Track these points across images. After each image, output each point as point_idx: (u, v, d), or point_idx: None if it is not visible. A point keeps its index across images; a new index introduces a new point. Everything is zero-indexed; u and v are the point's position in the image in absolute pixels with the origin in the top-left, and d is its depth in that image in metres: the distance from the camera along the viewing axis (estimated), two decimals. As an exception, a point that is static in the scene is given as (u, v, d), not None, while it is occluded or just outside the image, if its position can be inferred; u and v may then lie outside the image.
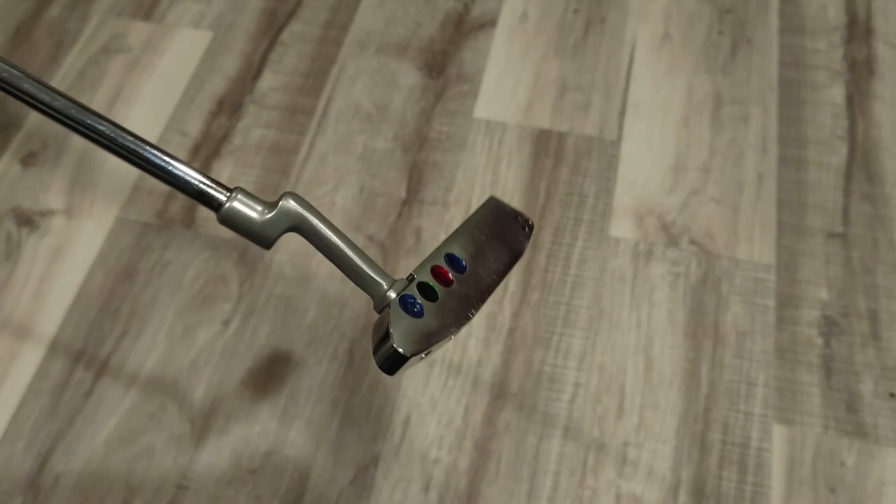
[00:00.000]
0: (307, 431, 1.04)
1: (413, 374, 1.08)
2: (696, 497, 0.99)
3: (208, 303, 1.14)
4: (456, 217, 1.21)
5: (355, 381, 1.08)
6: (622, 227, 1.20)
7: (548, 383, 1.07)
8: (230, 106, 1.33)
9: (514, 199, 1.22)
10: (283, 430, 1.04)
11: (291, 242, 1.16)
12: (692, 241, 1.19)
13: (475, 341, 1.10)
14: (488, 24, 1.42)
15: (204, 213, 1.20)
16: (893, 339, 1.11)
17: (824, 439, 1.04)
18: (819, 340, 1.11)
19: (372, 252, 1.17)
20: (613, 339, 1.10)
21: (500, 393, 1.06)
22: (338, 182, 1.24)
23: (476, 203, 1.21)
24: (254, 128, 1.30)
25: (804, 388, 1.07)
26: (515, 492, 1.00)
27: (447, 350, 1.10)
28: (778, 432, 1.04)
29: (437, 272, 0.64)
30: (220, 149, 1.28)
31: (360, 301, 1.13)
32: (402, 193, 1.23)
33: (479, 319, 1.12)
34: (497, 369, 1.08)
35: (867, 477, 1.01)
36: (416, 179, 1.24)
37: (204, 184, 0.65)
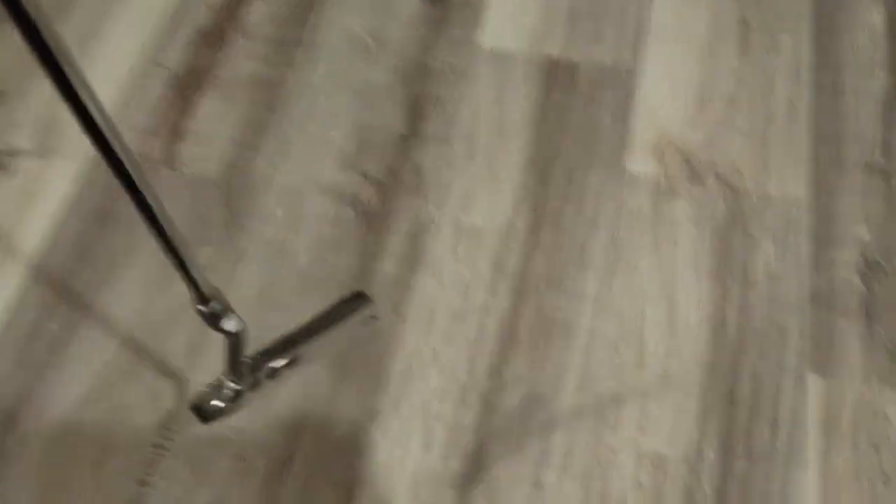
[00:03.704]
0: (298, 385, 0.95)
1: (414, 323, 0.98)
2: (724, 455, 0.90)
3: (191, 248, 1.04)
4: (459, 154, 1.11)
5: (351, 329, 0.98)
6: (641, 163, 1.09)
7: (561, 330, 0.98)
8: (214, 36, 1.22)
9: (521, 134, 1.12)
10: (271, 384, 0.95)
11: (282, 179, 1.06)
12: (718, 177, 1.08)
13: (480, 285, 1.01)
14: (494, -54, 1.30)
15: (187, 150, 1.11)
16: (941, 281, 1.01)
17: (866, 392, 0.94)
18: (860, 284, 1.01)
19: (369, 191, 1.07)
20: (632, 283, 1.01)
21: (508, 342, 0.97)
22: (331, 117, 1.14)
23: (484, 138, 1.11)
24: (239, 60, 1.20)
25: (843, 335, 0.98)
26: (526, 449, 0.91)
27: (448, 295, 1.00)
28: (814, 384, 0.94)
29: None
30: (202, 82, 1.18)
31: (356, 245, 1.04)
32: (401, 128, 1.13)
33: (483, 262, 1.02)
34: (504, 316, 0.99)
35: (913, 431, 0.92)
36: (415, 113, 1.14)
37: None
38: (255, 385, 0.88)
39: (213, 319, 0.75)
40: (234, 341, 0.79)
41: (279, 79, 1.18)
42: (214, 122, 1.14)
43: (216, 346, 0.90)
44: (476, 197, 1.07)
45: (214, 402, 0.88)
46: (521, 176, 1.08)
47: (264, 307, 0.99)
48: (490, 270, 1.02)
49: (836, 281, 1.01)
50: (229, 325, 0.76)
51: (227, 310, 0.75)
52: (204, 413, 0.88)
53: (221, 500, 0.89)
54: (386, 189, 1.08)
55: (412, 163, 1.10)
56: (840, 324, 0.98)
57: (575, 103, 1.14)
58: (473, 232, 1.04)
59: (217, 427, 0.92)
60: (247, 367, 0.86)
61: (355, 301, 0.96)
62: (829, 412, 0.93)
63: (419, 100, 1.15)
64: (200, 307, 0.74)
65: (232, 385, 0.87)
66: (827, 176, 1.08)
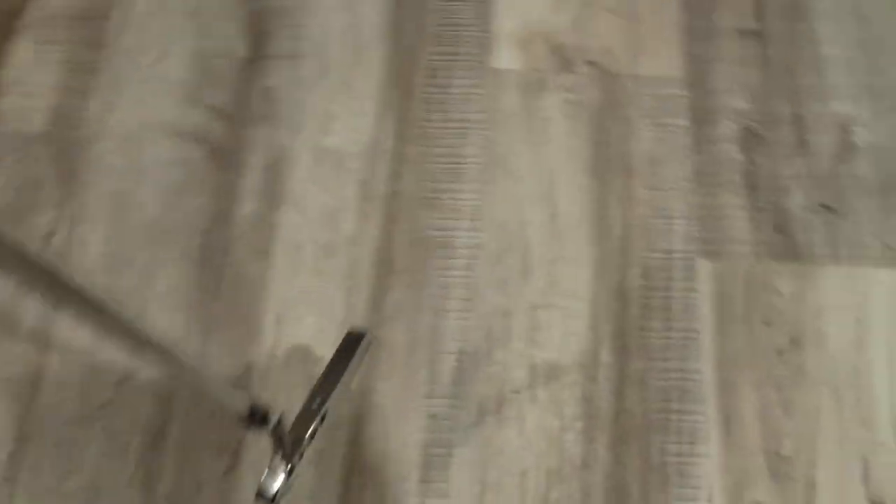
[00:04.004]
0: (163, 349, 0.87)
1: (279, 263, 0.91)
2: (619, 354, 0.87)
3: (23, 215, 0.94)
4: (311, 71, 1.01)
5: (213, 279, 0.91)
6: (507, 57, 1.02)
7: (439, 251, 0.92)
8: (18, -30, 1.08)
9: (377, 42, 1.03)
10: (133, 353, 0.87)
11: (118, 124, 0.96)
12: (589, 63, 1.01)
13: (348, 214, 0.93)
14: None
15: (6, 105, 0.99)
16: (821, 142, 0.98)
17: (755, 268, 0.91)
18: (740, 156, 0.97)
19: (216, 125, 0.97)
20: (510, 189, 0.95)
21: (384, 271, 0.91)
22: (164, 47, 1.03)
23: (337, 51, 1.01)
24: (52, -6, 1.06)
25: (728, 212, 0.94)
26: (414, 381, 0.86)
27: (314, 229, 0.93)
28: (704, 268, 0.91)
29: None
30: (12, 27, 1.04)
31: (205, 186, 0.95)
32: (244, 51, 1.02)
33: (349, 188, 0.95)
34: (378, 244, 0.92)
35: (804, 302, 0.90)
36: (258, 32, 1.03)
37: None
38: (302, 453, 0.78)
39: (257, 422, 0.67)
40: (279, 435, 0.71)
41: (99, 10, 1.05)
42: (33, 69, 1.02)
43: (68, 325, 0.82)
44: (334, 117, 0.98)
45: (277, 486, 0.77)
46: (381, 88, 1.00)
47: (116, 268, 0.90)
48: (357, 195, 0.94)
49: (718, 157, 0.97)
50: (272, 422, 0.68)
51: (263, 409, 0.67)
52: (275, 500, 0.77)
53: (95, 482, 0.82)
54: (234, 120, 0.98)
55: (260, 87, 1.00)
56: (725, 201, 0.95)
57: (432, 3, 1.05)
58: (335, 155, 0.96)
59: (81, 407, 0.85)
60: (290, 445, 0.76)
61: (353, 339, 0.84)
62: (720, 295, 0.90)
63: (260, 15, 1.04)
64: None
65: (284, 463, 0.77)
66: (701, 48, 1.03)
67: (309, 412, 0.77)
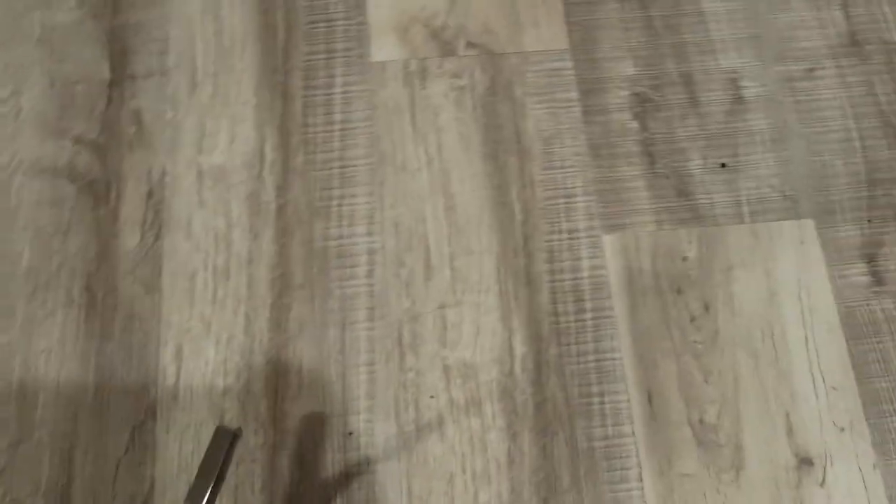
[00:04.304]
0: (58, 404, 0.82)
1: (172, 295, 0.86)
2: (533, 343, 0.85)
3: None
4: (181, 86, 0.95)
5: (103, 323, 0.85)
6: (385, 48, 0.98)
7: (337, 261, 0.88)
8: None
9: (246, 45, 0.97)
10: (26, 412, 0.82)
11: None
12: (470, 44, 0.98)
13: (239, 233, 0.89)
14: None
15: None
16: (712, 100, 0.97)
17: (660, 237, 0.90)
18: (634, 124, 0.95)
19: (85, 157, 0.91)
20: (403, 186, 0.91)
21: (283, 288, 0.87)
22: (18, 81, 0.96)
23: (206, 61, 0.96)
24: None
25: (628, 183, 0.93)
26: (327, 400, 0.83)
27: (207, 253, 0.88)
28: (609, 243, 0.89)
29: None
30: None
31: (86, 223, 0.89)
32: (106, 73, 0.96)
33: (237, 205, 0.90)
34: (274, 260, 0.88)
35: (712, 265, 0.89)
36: (118, 51, 0.97)
37: None
38: None
39: None
40: None
41: (-57, 47, 0.97)
42: None
43: None
44: (212, 132, 0.93)
45: None
46: (258, 96, 0.95)
47: (-7, 326, 0.84)
48: (246, 212, 0.90)
49: (612, 127, 0.95)
50: None
51: None
52: None
53: (-1, 559, 0.77)
54: (104, 149, 0.92)
55: (128, 110, 0.94)
56: (623, 172, 0.93)
57: (300, 0, 1.00)
58: (218, 173, 0.91)
59: (-24, 476, 0.79)
60: None
61: (222, 437, 0.78)
62: (629, 269, 0.89)
63: (117, 33, 0.98)
64: None
65: None
66: (582, 15, 1.00)
67: None
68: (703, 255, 0.89)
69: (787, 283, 0.88)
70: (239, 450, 0.79)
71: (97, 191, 0.90)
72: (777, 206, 0.92)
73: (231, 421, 0.82)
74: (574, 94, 0.96)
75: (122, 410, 0.82)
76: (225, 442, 0.74)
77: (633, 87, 0.97)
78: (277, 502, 0.79)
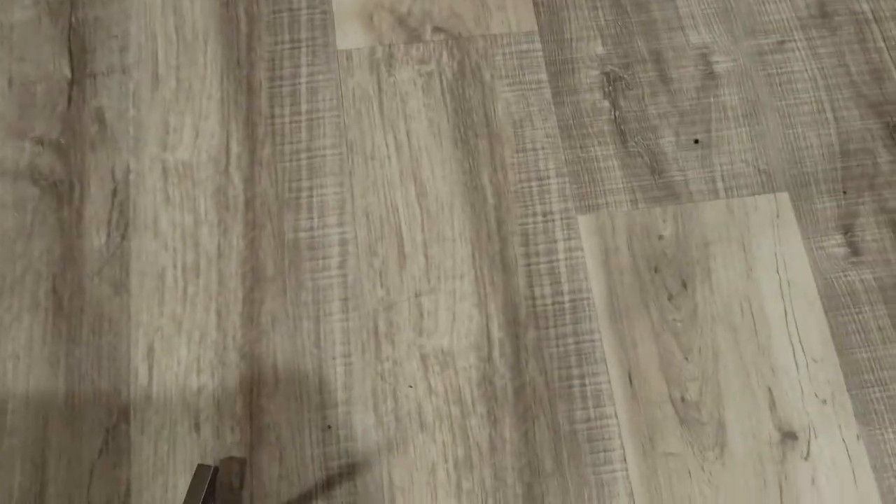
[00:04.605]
0: (28, 409, 0.80)
1: (141, 294, 0.84)
2: (511, 329, 0.84)
3: None
4: (143, 83, 0.93)
5: (71, 326, 0.83)
6: (351, 36, 0.96)
7: (308, 252, 0.86)
8: None
9: (208, 37, 0.96)
10: (-6, 418, 0.80)
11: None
12: (437, 29, 0.97)
13: (207, 229, 0.87)
14: None
15: None
16: (684, 76, 0.96)
17: (635, 216, 0.89)
18: (605, 103, 0.94)
19: (47, 158, 0.89)
20: (373, 175, 0.90)
21: (254, 282, 0.85)
22: (-24, 81, 0.94)
23: (167, 56, 0.94)
24: None
25: (601, 163, 0.91)
26: (303, 394, 0.81)
27: (176, 252, 0.86)
28: (584, 224, 0.88)
29: None
30: None
31: (51, 225, 0.87)
32: (66, 71, 0.94)
33: (204, 201, 0.88)
34: (244, 255, 0.86)
35: (688, 242, 0.88)
36: (78, 49, 0.95)
37: None
38: None
39: None
40: None
41: None
42: None
43: None
44: (176, 127, 0.92)
45: None
46: (221, 87, 0.93)
47: (-42, 333, 0.82)
48: (214, 208, 0.88)
49: (583, 107, 0.94)
50: None
51: None
52: None
53: (-27, 571, 0.75)
54: (67, 149, 0.90)
55: (90, 109, 0.92)
56: (596, 151, 0.92)
57: (261, -13, 0.98)
58: (184, 169, 0.90)
59: (-54, 488, 0.77)
60: None
61: (202, 474, 0.76)
62: (605, 249, 0.88)
63: (76, 30, 0.96)
64: None
65: None
66: (548, -4, 0.99)
67: None
68: (679, 232, 0.88)
69: (765, 258, 0.88)
70: (218, 481, 0.78)
71: (60, 191, 0.88)
72: (752, 180, 0.91)
73: (206, 419, 0.80)
74: (543, 76, 0.95)
75: (94, 413, 0.80)
76: (205, 477, 0.73)
77: (602, 66, 0.96)
78: (257, 500, 0.78)
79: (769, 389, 0.83)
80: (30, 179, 0.89)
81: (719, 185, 0.91)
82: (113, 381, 0.81)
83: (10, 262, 0.86)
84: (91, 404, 0.80)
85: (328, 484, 0.78)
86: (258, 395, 0.81)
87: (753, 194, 0.90)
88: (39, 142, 0.90)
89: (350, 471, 0.79)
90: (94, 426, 0.80)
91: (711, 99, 0.95)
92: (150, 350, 0.82)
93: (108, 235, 0.87)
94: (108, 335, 0.83)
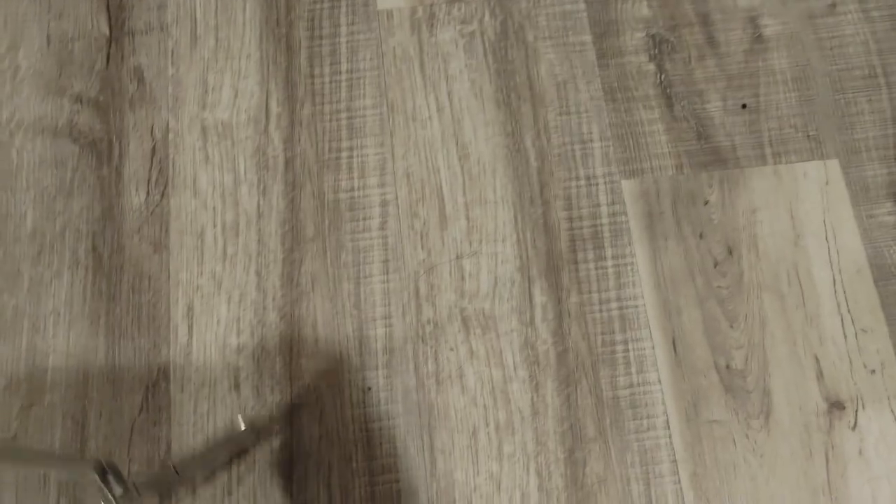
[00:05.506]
0: (68, 366, 0.80)
1: (180, 253, 0.84)
2: (552, 292, 0.83)
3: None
4: (181, 41, 0.92)
5: (111, 283, 0.83)
6: (392, -5, 0.95)
7: (349, 213, 0.86)
8: None
9: (248, -4, 0.94)
10: (37, 376, 0.80)
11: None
12: (479, -11, 0.95)
13: (247, 189, 0.86)
14: None
15: None
16: (731, 40, 0.94)
17: (680, 180, 0.87)
18: (651, 66, 0.92)
19: (86, 116, 0.89)
20: (414, 136, 0.89)
21: (294, 242, 0.84)
22: (14, 37, 0.93)
23: (205, 13, 0.93)
24: None
25: (646, 127, 0.90)
26: (344, 354, 0.81)
27: (215, 211, 0.86)
28: (628, 189, 0.87)
29: None
30: None
31: (91, 183, 0.87)
32: (104, 29, 0.93)
33: (244, 160, 0.88)
34: (283, 215, 0.85)
35: (735, 208, 0.86)
36: (116, 6, 0.94)
37: None
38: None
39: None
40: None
41: (-64, 7, 0.94)
42: None
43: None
44: (216, 86, 0.91)
45: None
46: (260, 46, 0.92)
47: (3, 287, 0.82)
48: (254, 167, 0.87)
49: (628, 69, 0.92)
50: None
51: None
52: None
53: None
54: (106, 107, 0.90)
55: (129, 66, 0.91)
56: (641, 115, 0.90)
57: (300, -55, 0.97)
58: (223, 128, 0.89)
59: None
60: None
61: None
62: (649, 215, 0.86)
63: (116, -12, 0.95)
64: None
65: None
66: (593, -44, 0.97)
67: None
68: (725, 198, 0.87)
69: (813, 225, 0.86)
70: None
71: (100, 150, 0.88)
72: (801, 146, 0.89)
73: (246, 379, 0.80)
74: (588, 37, 0.93)
75: (134, 371, 0.80)
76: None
77: (648, 28, 0.94)
78: (297, 460, 0.77)
79: (816, 359, 0.81)
80: (69, 137, 0.88)
81: (767, 150, 0.89)
82: (153, 339, 0.81)
83: (50, 219, 0.85)
84: (131, 362, 0.80)
85: (368, 445, 0.78)
86: (298, 355, 0.80)
87: (802, 161, 0.88)
88: (78, 99, 0.90)
89: (391, 433, 0.78)
90: (134, 383, 0.80)
91: (760, 63, 0.92)
92: (190, 309, 0.82)
93: (148, 194, 0.86)
94: (147, 293, 0.83)
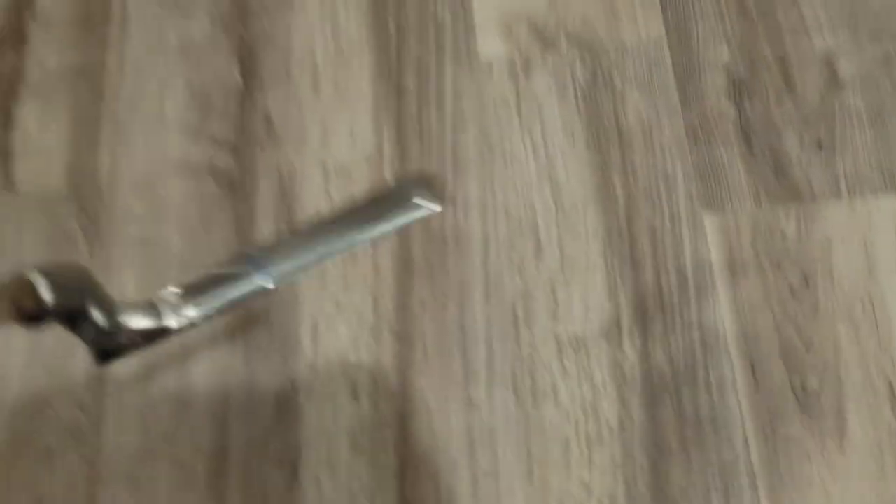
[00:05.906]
0: (211, 377, 0.92)
1: (308, 281, 0.95)
2: (639, 319, 0.91)
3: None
4: (304, 89, 1.04)
5: (246, 305, 0.95)
6: (491, 45, 1.05)
7: (454, 244, 0.96)
8: (11, 36, 1.11)
9: (362, 48, 1.06)
10: (184, 383, 0.92)
11: (130, 169, 1.00)
12: (570, 38, 1.04)
13: (363, 223, 0.97)
14: None
15: (22, 168, 1.03)
16: (807, 79, 1.00)
17: (758, 215, 0.95)
18: (731, 107, 1.00)
19: (223, 156, 1.01)
20: (512, 174, 0.98)
21: (404, 272, 0.95)
22: (162, 88, 1.06)
23: (325, 64, 1.04)
24: (47, 54, 1.10)
25: (726, 164, 0.97)
26: (450, 372, 0.91)
27: (335, 242, 0.97)
28: (709, 223, 0.94)
29: None
30: (17, 90, 1.08)
31: (227, 216, 0.99)
32: (238, 79, 1.06)
33: (360, 195, 0.98)
34: (395, 246, 0.96)
35: (811, 240, 0.93)
36: (248, 59, 1.07)
37: None
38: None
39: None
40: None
41: (95, 62, 1.08)
42: (42, 128, 1.06)
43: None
44: (334, 130, 1.02)
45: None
46: (374, 93, 1.03)
47: (153, 309, 0.95)
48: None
49: (708, 111, 1.00)
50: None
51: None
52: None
53: (169, 513, 0.88)
54: (240, 149, 1.02)
55: (259, 112, 1.04)
56: (721, 153, 0.98)
57: (409, 1, 1.08)
58: (341, 169, 1.00)
59: (145, 441, 0.90)
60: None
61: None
62: (729, 245, 0.93)
63: (247, 43, 1.07)
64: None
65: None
66: (677, 5, 1.05)
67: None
68: (801, 230, 0.93)
69: (886, 256, 0.92)
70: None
71: (235, 187, 1.00)
72: (875, 182, 0.95)
73: (362, 393, 0.90)
74: (671, 81, 1.01)
75: (267, 382, 0.91)
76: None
77: (728, 71, 1.01)
78: (407, 466, 0.87)
79: (889, 381, 0.87)
80: (209, 174, 1.01)
81: (842, 185, 0.95)
82: (282, 355, 0.92)
83: (193, 248, 0.98)
84: (264, 374, 0.92)
85: (472, 452, 0.87)
86: (409, 371, 0.91)
87: (876, 195, 0.94)
88: (216, 141, 1.02)
89: (492, 441, 0.88)
90: (267, 392, 0.91)
91: (836, 103, 0.99)
92: (315, 328, 0.93)
93: (276, 226, 0.98)
94: (277, 315, 0.94)
